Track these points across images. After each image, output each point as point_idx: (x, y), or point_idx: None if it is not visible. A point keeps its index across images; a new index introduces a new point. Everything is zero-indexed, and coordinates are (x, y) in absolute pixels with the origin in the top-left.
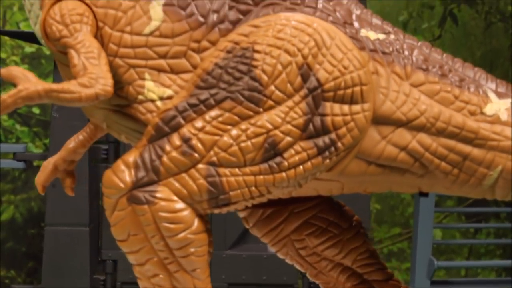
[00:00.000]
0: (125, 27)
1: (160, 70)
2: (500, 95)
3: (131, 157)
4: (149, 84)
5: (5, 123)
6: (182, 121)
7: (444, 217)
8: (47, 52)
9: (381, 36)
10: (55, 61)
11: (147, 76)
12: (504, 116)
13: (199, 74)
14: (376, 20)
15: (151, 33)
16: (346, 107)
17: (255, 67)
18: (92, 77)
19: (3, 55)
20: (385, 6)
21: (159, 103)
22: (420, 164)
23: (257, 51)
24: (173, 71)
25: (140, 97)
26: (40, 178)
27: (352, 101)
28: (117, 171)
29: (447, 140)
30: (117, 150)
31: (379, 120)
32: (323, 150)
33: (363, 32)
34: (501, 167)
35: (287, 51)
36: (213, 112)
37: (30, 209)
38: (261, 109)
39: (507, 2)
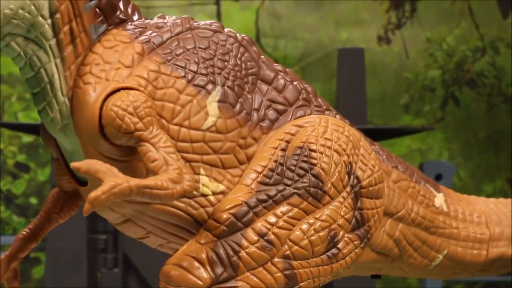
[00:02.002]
0: (183, 121)
1: (213, 165)
2: (435, 190)
3: (201, 253)
4: (204, 179)
5: (2, 214)
6: (255, 217)
7: None
8: None
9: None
10: None
11: (202, 171)
12: (445, 208)
13: (260, 171)
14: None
15: (208, 129)
16: (373, 202)
17: (315, 165)
18: (179, 172)
19: (2, 145)
20: (386, 89)
21: (212, 198)
22: (398, 250)
23: (313, 150)
24: (224, 166)
25: (193, 191)
26: None
27: (377, 196)
28: (190, 268)
29: (415, 229)
30: (116, 240)
31: None
32: (362, 240)
33: None
34: (446, 250)
35: (337, 151)
36: (283, 208)
37: None
38: (321, 204)
39: (508, 84)
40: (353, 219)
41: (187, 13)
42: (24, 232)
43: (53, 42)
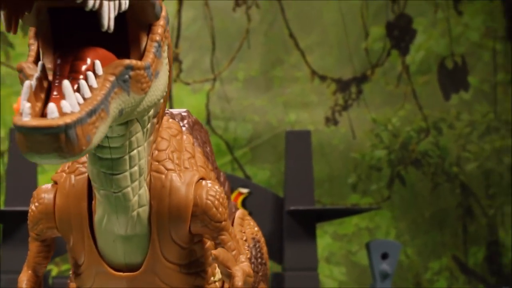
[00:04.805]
0: None
1: None
2: None
3: None
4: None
5: None
6: None
7: None
8: None
9: None
10: (4, 234)
11: None
12: None
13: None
14: None
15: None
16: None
17: (263, 254)
18: (249, 261)
19: None
20: (334, 169)
21: (217, 283)
22: None
23: (258, 241)
24: None
25: (212, 278)
26: None
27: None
28: None
29: None
30: None
31: None
32: None
33: None
34: None
35: (264, 242)
36: None
37: None
38: None
39: (451, 163)
40: None
41: None
42: None
43: (149, 125)
